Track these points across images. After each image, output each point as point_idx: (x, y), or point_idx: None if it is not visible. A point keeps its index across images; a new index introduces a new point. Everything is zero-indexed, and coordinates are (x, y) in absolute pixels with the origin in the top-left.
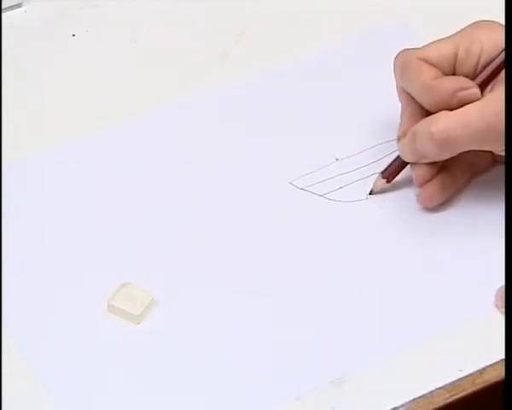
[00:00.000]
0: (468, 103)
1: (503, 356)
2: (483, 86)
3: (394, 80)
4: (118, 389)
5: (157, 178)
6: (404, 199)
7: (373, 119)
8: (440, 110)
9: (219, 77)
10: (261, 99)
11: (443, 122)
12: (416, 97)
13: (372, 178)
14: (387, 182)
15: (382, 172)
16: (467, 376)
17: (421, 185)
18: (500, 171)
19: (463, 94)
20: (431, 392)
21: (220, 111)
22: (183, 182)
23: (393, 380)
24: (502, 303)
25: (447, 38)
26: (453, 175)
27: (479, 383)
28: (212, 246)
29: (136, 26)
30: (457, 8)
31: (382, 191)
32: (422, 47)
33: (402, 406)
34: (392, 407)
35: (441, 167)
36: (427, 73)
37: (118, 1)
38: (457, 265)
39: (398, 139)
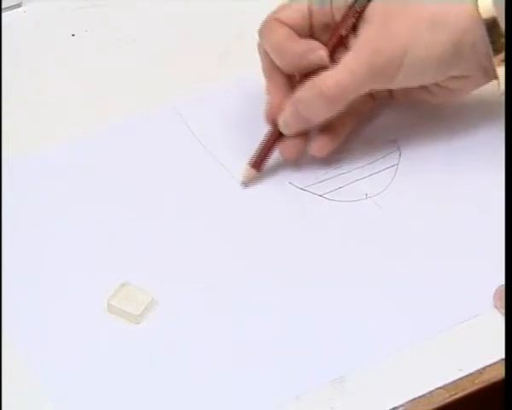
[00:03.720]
0: (317, 65)
1: (502, 356)
2: (345, 39)
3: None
4: (117, 388)
5: (157, 177)
6: (404, 199)
7: (373, 118)
8: (295, 71)
9: (219, 77)
10: (261, 99)
11: (330, 78)
12: (273, 59)
13: (372, 177)
14: (258, 171)
15: (250, 162)
16: (466, 376)
17: (294, 158)
18: (488, 169)
19: (311, 57)
20: (431, 392)
21: (219, 111)
22: (183, 181)
23: (393, 380)
24: (501, 303)
25: None
26: (342, 124)
27: (478, 383)
28: (212, 246)
29: (135, 26)
30: None
31: (254, 181)
32: (279, 7)
33: (402, 406)
34: (392, 406)
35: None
36: (280, 35)
37: (117, 1)
38: (457, 265)
39: (270, 118)
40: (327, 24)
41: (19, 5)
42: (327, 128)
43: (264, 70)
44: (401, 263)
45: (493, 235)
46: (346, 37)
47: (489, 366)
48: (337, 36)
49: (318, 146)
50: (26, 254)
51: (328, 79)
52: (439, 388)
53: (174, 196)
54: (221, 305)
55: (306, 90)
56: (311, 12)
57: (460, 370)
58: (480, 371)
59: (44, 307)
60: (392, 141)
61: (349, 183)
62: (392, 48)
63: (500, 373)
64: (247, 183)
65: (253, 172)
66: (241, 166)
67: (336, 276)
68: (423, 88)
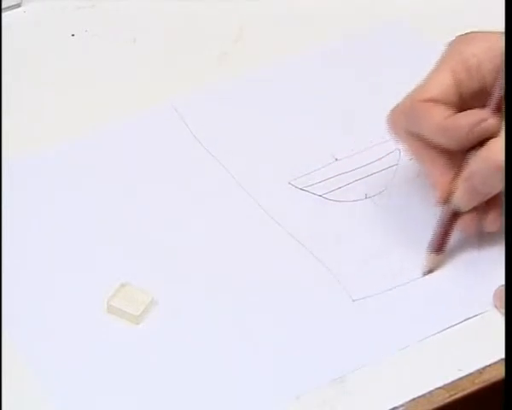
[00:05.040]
0: (488, 135)
1: (502, 356)
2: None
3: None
4: (117, 389)
5: (158, 177)
6: (403, 198)
7: (372, 118)
8: (461, 147)
9: (218, 77)
10: (260, 99)
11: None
12: (433, 140)
13: (371, 177)
14: (438, 254)
15: (431, 249)
16: (466, 375)
17: (475, 232)
18: None
19: (481, 128)
20: (430, 392)
21: (219, 111)
22: (183, 182)
23: (393, 380)
24: (501, 303)
25: (440, 65)
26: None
27: (478, 383)
28: (211, 246)
29: (135, 26)
30: (456, 9)
31: (438, 266)
32: (422, 86)
33: (401, 405)
34: (392, 406)
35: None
36: (439, 114)
37: (117, 1)
38: (457, 265)
39: (444, 199)
40: (475, 90)
41: (18, 5)
42: (495, 200)
43: (419, 154)
44: (401, 263)
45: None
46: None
47: (489, 365)
48: (497, 99)
49: (491, 220)
50: (26, 254)
51: (501, 151)
52: (439, 388)
53: (173, 196)
54: (221, 305)
55: (481, 164)
56: (458, 81)
57: (460, 370)
58: (480, 371)
59: (44, 308)
60: (391, 140)
61: (349, 183)
62: None
63: (500, 373)
64: (431, 270)
65: (435, 257)
66: (241, 167)
67: (336, 276)
68: None
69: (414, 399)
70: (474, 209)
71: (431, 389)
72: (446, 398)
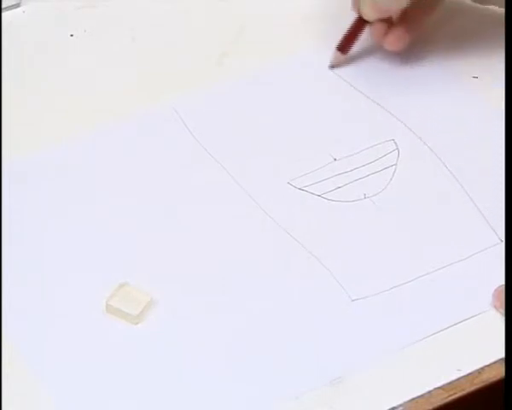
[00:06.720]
0: None
1: (501, 356)
2: None
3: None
4: (116, 388)
5: (156, 177)
6: (402, 199)
7: (371, 118)
8: None
9: (218, 77)
10: (260, 99)
11: None
12: None
13: (370, 177)
14: (344, 54)
15: (338, 46)
16: (465, 376)
17: (380, 40)
18: (489, 168)
19: None
20: (429, 392)
21: (219, 111)
22: (183, 182)
23: (392, 380)
24: (500, 303)
25: None
26: (417, 18)
27: (477, 383)
28: (211, 246)
29: (134, 26)
30: (454, 15)
31: (341, 64)
32: None
33: (400, 405)
34: (391, 406)
35: (403, 14)
36: None
37: (116, 1)
38: (456, 264)
39: (354, 5)
40: None
41: (18, 5)
42: (402, 21)
43: None
44: (400, 263)
45: (493, 234)
46: None
47: (488, 365)
48: None
49: (394, 38)
50: (26, 254)
51: None
52: (438, 388)
53: (173, 197)
54: (220, 305)
55: None
56: None
57: (459, 370)
58: (479, 371)
59: (44, 308)
60: (390, 140)
61: (348, 183)
62: None
63: (499, 373)
64: (335, 65)
65: (339, 55)
66: (240, 167)
67: (335, 275)
68: None
69: (413, 399)
70: (384, 22)
71: (430, 389)
72: (445, 398)
